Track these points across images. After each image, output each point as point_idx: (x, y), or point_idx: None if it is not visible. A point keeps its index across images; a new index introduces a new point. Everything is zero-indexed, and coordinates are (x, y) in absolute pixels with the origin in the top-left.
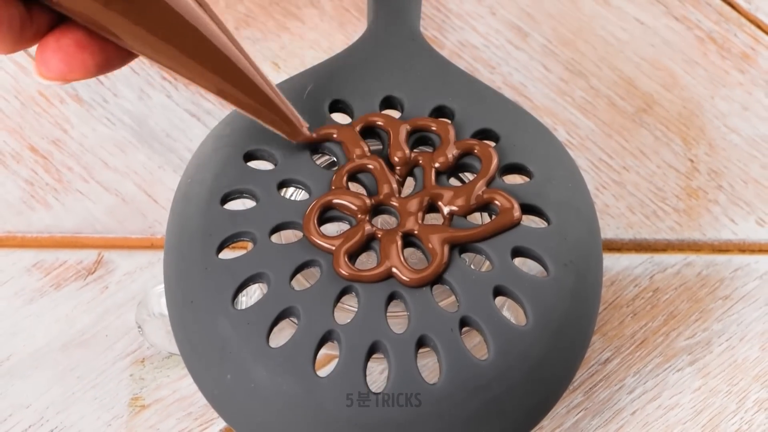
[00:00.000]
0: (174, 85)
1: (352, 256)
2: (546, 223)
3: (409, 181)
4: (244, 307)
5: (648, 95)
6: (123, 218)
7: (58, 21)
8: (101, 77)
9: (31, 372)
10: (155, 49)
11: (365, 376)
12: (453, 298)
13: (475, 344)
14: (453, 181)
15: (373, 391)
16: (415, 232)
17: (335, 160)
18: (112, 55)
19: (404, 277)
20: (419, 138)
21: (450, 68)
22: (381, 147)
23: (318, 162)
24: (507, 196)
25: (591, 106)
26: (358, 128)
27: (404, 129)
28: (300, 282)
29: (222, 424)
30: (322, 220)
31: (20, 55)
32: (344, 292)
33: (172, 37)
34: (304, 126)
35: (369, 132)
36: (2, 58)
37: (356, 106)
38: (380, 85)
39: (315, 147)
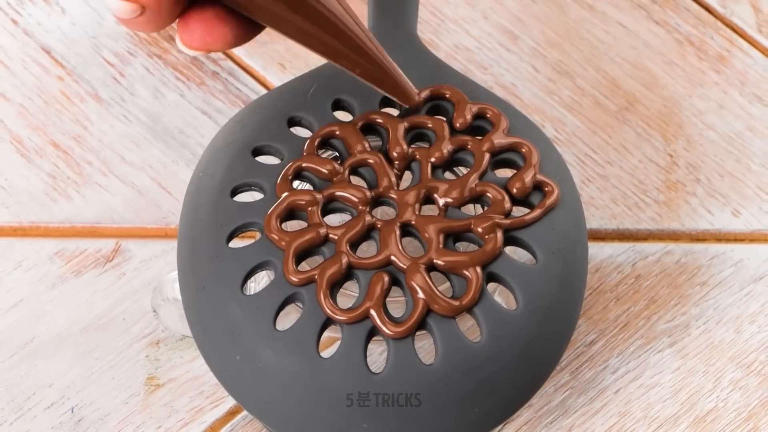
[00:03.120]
0: (187, 85)
1: (354, 244)
2: None
3: (407, 175)
4: (252, 292)
5: (630, 94)
6: (139, 209)
7: None
8: (118, 77)
9: (53, 353)
10: (287, 23)
11: (366, 357)
12: (448, 284)
13: (469, 327)
14: (448, 175)
15: (373, 371)
16: (413, 222)
17: (338, 155)
18: (245, 28)
19: (402, 265)
20: (416, 134)
21: (445, 69)
22: (381, 143)
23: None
24: (498, 188)
25: (577, 105)
26: (359, 125)
27: (402, 126)
28: (305, 268)
29: (232, 402)
30: (326, 211)
31: (44, 57)
32: (346, 278)
33: (305, 15)
34: (416, 92)
35: (369, 129)
36: (26, 60)
37: (357, 104)
38: None
39: (319, 143)
